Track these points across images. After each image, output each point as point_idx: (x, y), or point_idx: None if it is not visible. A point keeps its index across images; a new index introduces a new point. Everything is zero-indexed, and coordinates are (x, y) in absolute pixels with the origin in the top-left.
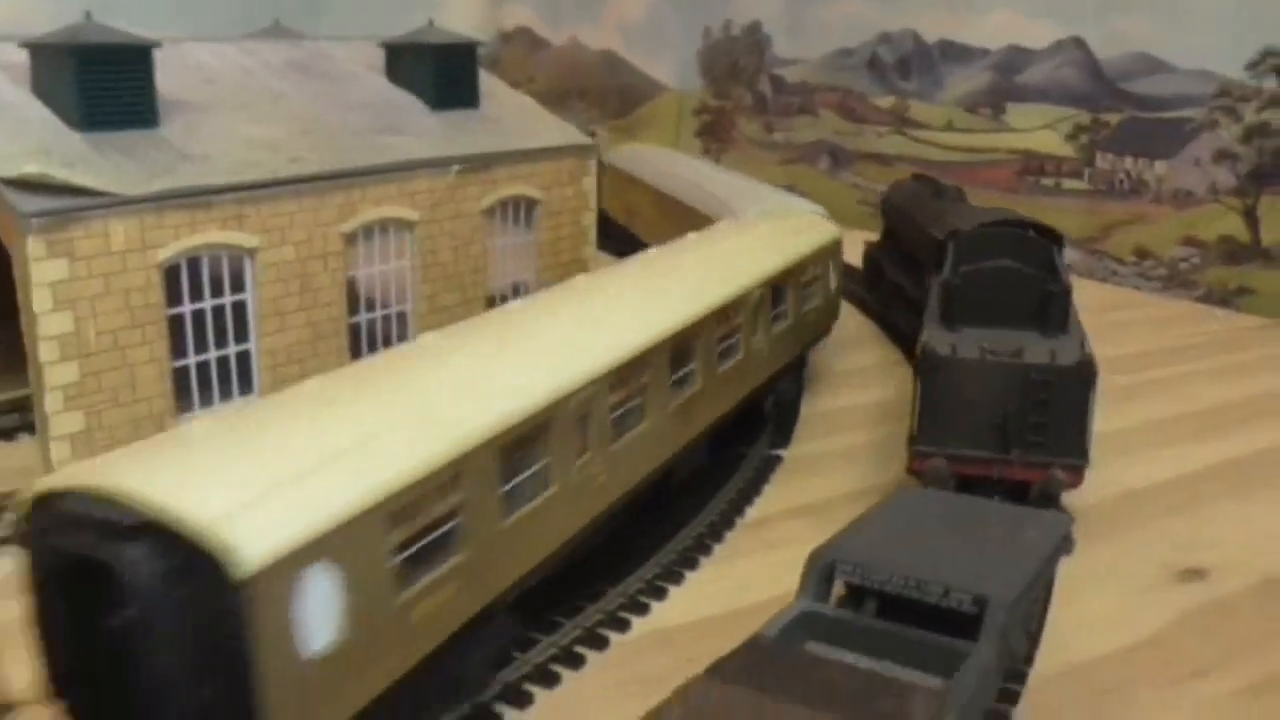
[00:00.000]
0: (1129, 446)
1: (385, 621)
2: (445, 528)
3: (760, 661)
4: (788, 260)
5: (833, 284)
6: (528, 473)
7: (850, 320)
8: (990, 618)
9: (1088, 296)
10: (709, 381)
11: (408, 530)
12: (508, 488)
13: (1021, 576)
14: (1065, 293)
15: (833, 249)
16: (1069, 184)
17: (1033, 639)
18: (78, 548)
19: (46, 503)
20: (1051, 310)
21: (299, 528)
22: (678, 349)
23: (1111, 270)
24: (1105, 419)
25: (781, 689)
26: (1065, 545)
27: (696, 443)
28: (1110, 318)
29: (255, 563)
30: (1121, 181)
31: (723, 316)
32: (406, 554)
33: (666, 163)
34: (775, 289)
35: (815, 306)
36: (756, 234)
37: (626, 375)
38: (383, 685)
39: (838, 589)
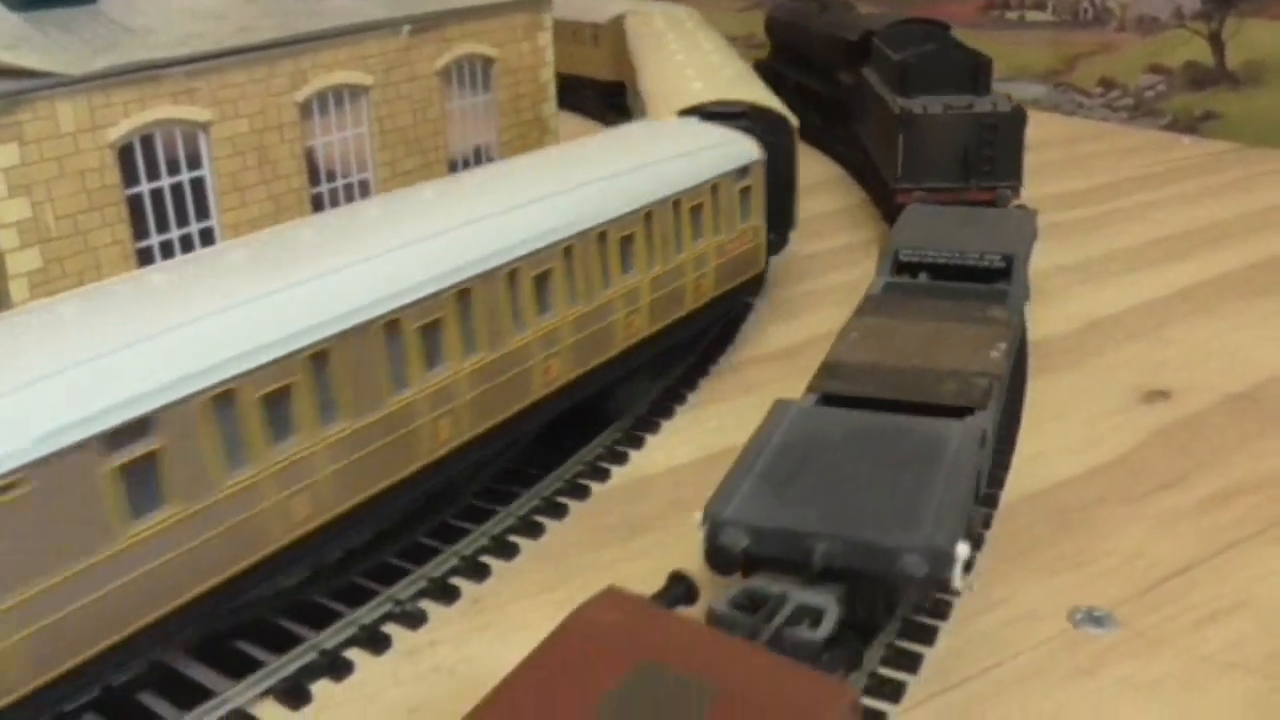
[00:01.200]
0: (1094, 276)
1: None
2: None
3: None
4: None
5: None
6: None
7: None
8: (1017, 266)
9: (1055, 130)
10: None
11: None
12: None
13: (1024, 242)
14: (988, 63)
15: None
16: (1033, 16)
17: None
18: None
19: None
20: (980, 77)
21: None
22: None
23: (1078, 103)
24: (1071, 250)
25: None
26: (1035, 229)
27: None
28: (1077, 150)
29: None
30: (1085, 10)
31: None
32: None
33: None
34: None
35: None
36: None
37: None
38: None
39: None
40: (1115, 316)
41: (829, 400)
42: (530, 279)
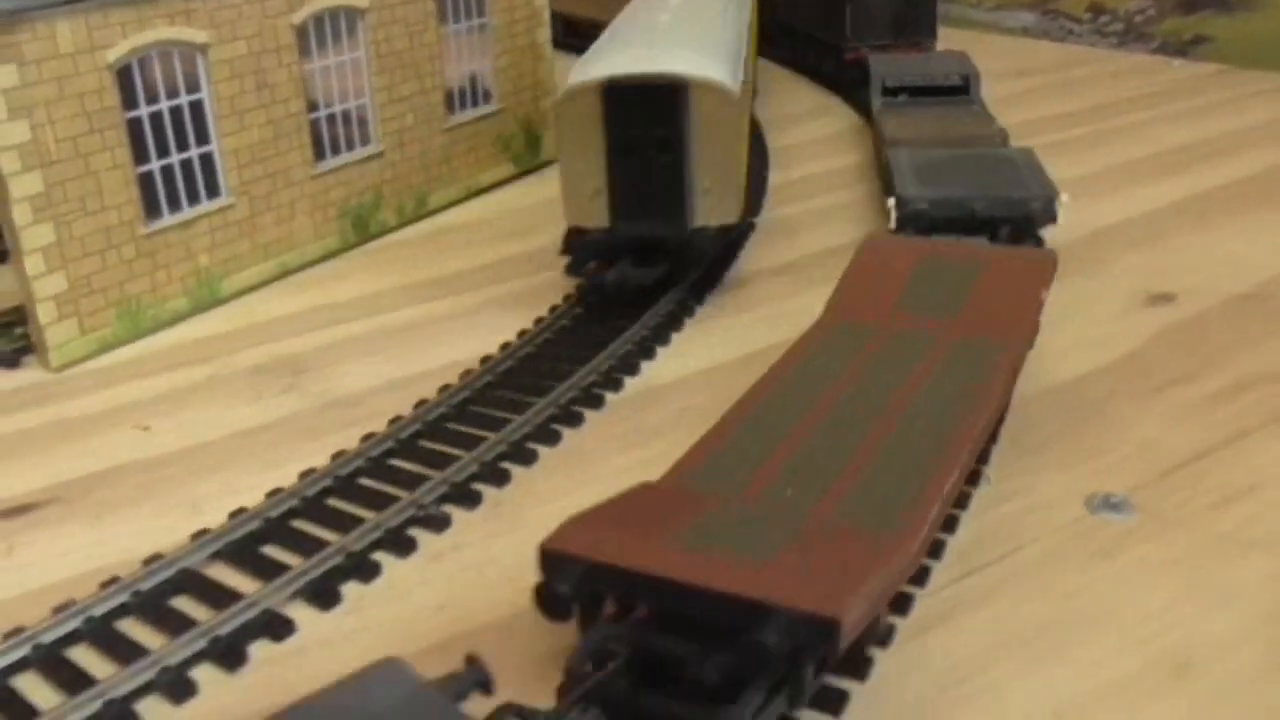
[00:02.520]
0: (1095, 189)
1: None
2: None
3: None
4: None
5: None
6: None
7: (802, 93)
8: (972, 80)
9: (1045, 57)
10: None
11: None
12: None
13: (971, 69)
14: None
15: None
16: None
17: None
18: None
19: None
20: None
21: None
22: None
23: (1068, 30)
24: (1070, 166)
25: None
26: (975, 68)
27: None
28: (1068, 74)
29: None
30: None
31: None
32: None
33: None
34: None
35: None
36: None
37: None
38: None
39: None
40: (1116, 226)
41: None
42: None
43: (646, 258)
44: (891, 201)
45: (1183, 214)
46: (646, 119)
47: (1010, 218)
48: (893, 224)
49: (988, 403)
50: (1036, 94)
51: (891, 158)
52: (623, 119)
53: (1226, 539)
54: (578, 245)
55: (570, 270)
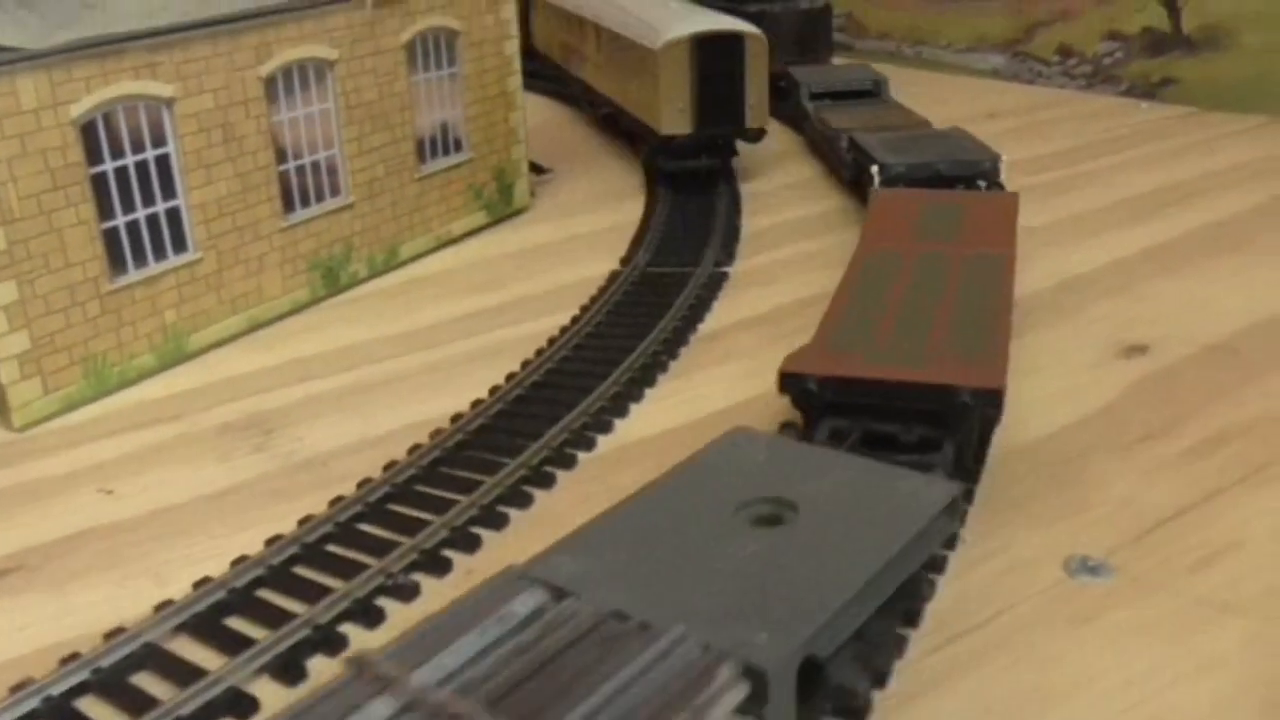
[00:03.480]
0: (1064, 237)
1: None
2: None
3: None
4: None
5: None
6: None
7: (774, 139)
8: (881, 85)
9: (1014, 100)
10: None
11: None
12: None
13: (879, 78)
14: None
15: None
16: None
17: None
18: None
19: None
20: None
21: None
22: None
23: (1037, 72)
24: (1038, 213)
25: None
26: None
27: None
28: (1037, 117)
29: None
30: None
31: None
32: None
33: None
34: None
35: None
36: None
37: None
38: None
39: None
40: (1087, 275)
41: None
42: None
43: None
44: (875, 168)
45: (1154, 261)
46: (720, 59)
47: (966, 175)
48: (876, 183)
49: (1008, 281)
50: (1007, 137)
51: (859, 139)
52: (704, 60)
53: (1205, 602)
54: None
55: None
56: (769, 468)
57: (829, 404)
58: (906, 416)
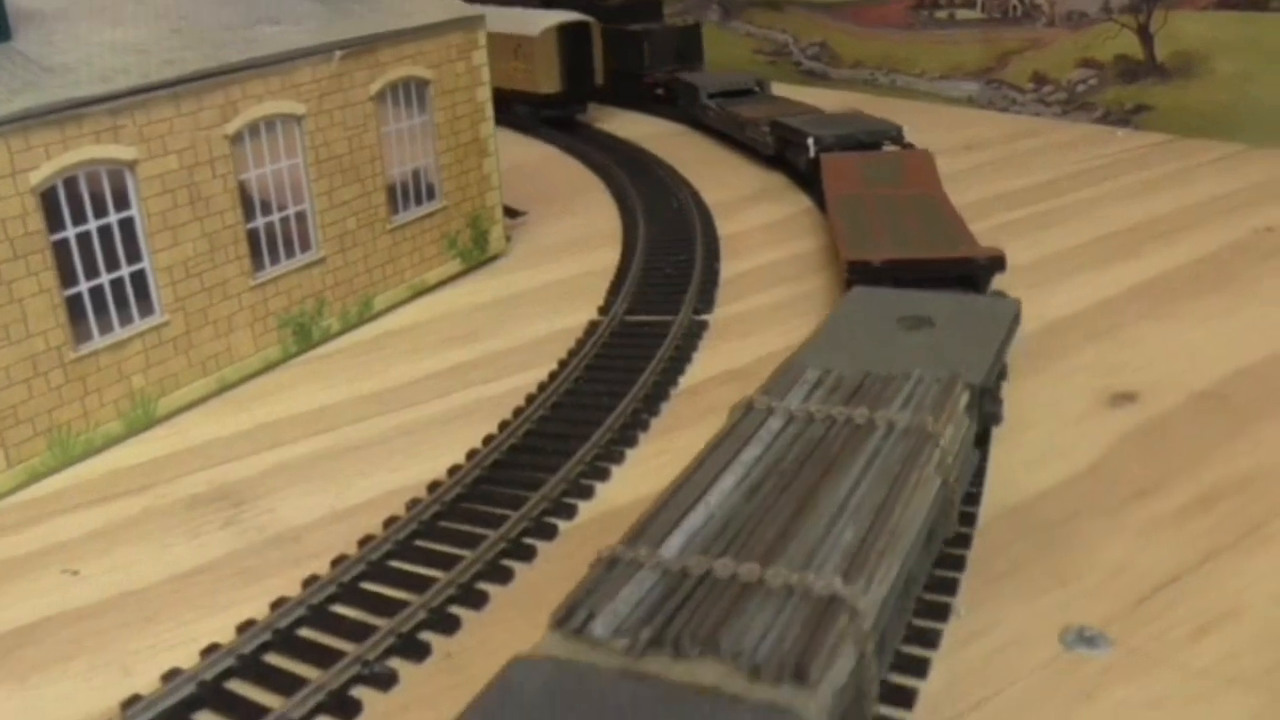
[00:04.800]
0: (1046, 277)
1: None
2: None
3: None
4: None
5: None
6: None
7: (747, 173)
8: (765, 85)
9: (990, 129)
10: None
11: None
12: None
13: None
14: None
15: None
16: (963, 14)
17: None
18: None
19: None
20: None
21: None
22: None
23: (1011, 99)
24: (1020, 251)
25: None
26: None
27: None
28: (1014, 147)
29: None
30: (1015, 7)
31: None
32: None
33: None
34: None
35: None
36: None
37: None
38: None
39: None
40: (1071, 318)
41: None
42: None
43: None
44: (811, 140)
45: (1138, 300)
46: (575, 41)
47: (879, 140)
48: (812, 153)
49: (948, 203)
50: (984, 170)
51: (784, 122)
52: (565, 41)
53: (1206, 675)
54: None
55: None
56: (903, 301)
57: (874, 278)
58: (932, 282)
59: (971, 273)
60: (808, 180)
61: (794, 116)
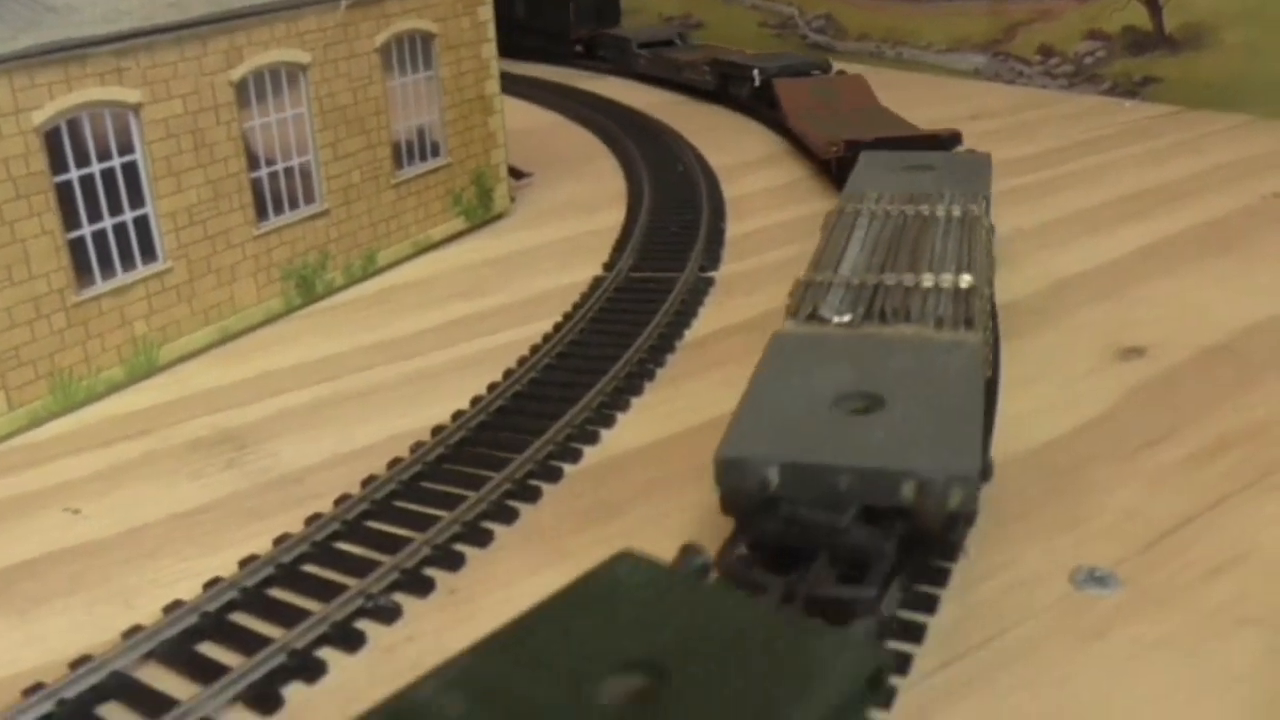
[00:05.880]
0: (1054, 239)
1: None
2: None
3: None
4: None
5: None
6: None
7: (753, 139)
8: (685, 36)
9: (997, 100)
10: None
11: None
12: None
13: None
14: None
15: None
16: None
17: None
18: None
19: None
20: None
21: None
22: None
23: (1018, 72)
24: (1027, 214)
25: None
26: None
27: None
28: (1021, 118)
29: None
30: None
31: None
32: None
33: None
34: None
35: None
36: None
37: None
38: None
39: None
40: (1080, 277)
41: None
42: None
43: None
44: (756, 71)
45: (1147, 261)
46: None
47: (808, 70)
48: (757, 81)
49: (888, 109)
50: (991, 138)
51: (725, 59)
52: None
53: (1218, 615)
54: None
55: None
56: (903, 158)
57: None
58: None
59: (936, 147)
60: (749, 108)
61: (731, 55)
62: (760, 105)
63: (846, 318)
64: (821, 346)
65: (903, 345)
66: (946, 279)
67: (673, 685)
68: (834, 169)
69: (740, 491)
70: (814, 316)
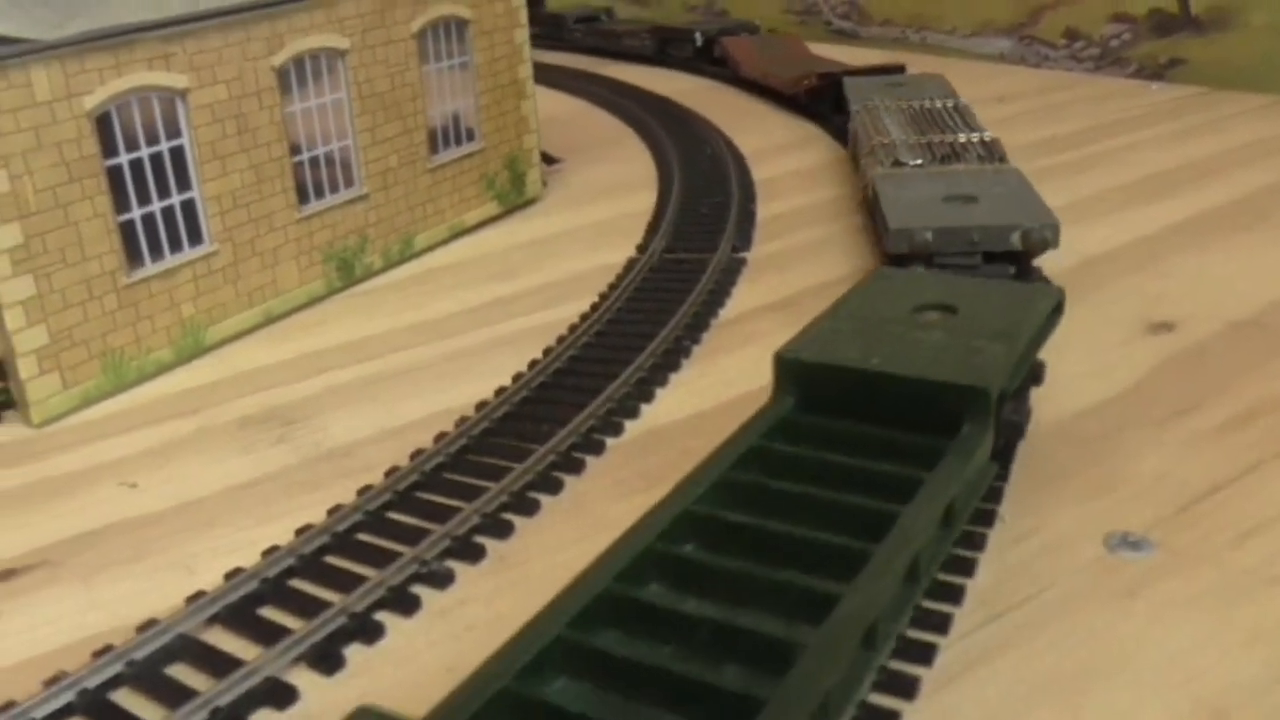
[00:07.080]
0: (1084, 215)
1: None
2: None
3: None
4: None
5: None
6: None
7: (778, 124)
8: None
9: (1023, 83)
10: None
11: None
12: None
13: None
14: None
15: None
16: None
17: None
18: None
19: None
20: None
21: None
22: None
23: (1044, 55)
24: (1056, 193)
25: None
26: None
27: None
28: (1048, 99)
29: None
30: None
31: None
32: None
33: None
34: None
35: None
36: None
37: None
38: None
39: None
40: (1110, 253)
41: None
42: None
43: None
44: (698, 34)
45: (1176, 238)
46: None
47: (740, 31)
48: (699, 42)
49: (829, 60)
50: (1019, 119)
51: (665, 24)
52: None
53: (1250, 575)
54: None
55: None
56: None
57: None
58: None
59: (889, 74)
60: (689, 67)
61: (667, 23)
62: (702, 63)
63: (920, 160)
64: (916, 175)
65: (967, 171)
66: (974, 136)
67: (959, 312)
68: (804, 99)
69: (906, 247)
70: (897, 163)
